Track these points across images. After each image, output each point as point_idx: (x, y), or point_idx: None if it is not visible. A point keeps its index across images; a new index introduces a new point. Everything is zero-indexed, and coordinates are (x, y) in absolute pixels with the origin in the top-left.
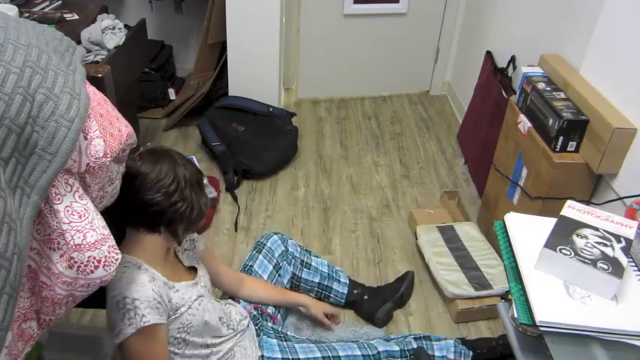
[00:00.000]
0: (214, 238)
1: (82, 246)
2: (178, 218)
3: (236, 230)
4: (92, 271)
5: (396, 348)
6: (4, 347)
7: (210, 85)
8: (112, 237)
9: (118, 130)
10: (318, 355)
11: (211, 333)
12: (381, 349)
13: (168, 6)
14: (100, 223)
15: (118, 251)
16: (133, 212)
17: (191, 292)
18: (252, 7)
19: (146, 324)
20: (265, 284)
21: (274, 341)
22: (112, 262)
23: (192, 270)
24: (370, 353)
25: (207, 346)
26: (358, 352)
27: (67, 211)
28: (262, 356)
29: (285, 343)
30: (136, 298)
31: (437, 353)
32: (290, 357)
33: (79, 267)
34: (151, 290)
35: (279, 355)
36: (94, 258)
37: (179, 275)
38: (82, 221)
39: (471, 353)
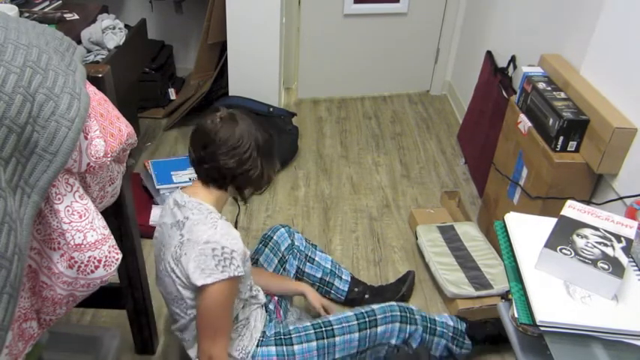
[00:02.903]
0: None
1: (83, 246)
2: (247, 182)
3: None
4: (92, 271)
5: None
6: (4, 347)
7: (210, 85)
8: (112, 237)
9: (119, 129)
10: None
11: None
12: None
13: (168, 6)
14: (100, 223)
15: (119, 251)
16: (205, 169)
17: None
18: (253, 7)
19: (238, 274)
20: (265, 272)
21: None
22: (113, 262)
23: None
24: (363, 310)
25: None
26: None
27: (68, 210)
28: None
29: (284, 347)
30: (234, 250)
31: (437, 318)
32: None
33: (79, 267)
34: (242, 244)
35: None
36: (95, 258)
37: None
38: (82, 221)
39: (465, 325)
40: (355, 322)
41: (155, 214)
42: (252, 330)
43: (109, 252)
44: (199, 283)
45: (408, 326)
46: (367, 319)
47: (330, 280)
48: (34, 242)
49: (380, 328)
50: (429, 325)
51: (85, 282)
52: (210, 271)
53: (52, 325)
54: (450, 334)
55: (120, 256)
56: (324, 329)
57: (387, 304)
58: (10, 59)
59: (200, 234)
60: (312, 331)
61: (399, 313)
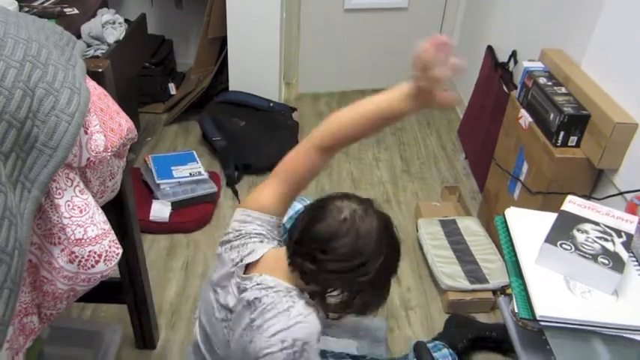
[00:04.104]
0: (215, 233)
1: (83, 241)
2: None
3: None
4: (93, 266)
5: None
6: (5, 342)
7: (210, 80)
8: (112, 232)
9: (119, 124)
10: None
11: None
12: None
13: (168, 1)
14: (100, 217)
15: (119, 246)
16: (307, 269)
17: None
18: (253, 1)
19: None
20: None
21: None
22: (113, 256)
23: None
24: None
25: None
26: None
27: (68, 205)
28: None
29: None
30: (306, 342)
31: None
32: None
33: (79, 261)
34: (319, 327)
35: None
36: (95, 253)
37: None
38: (82, 216)
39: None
40: None
41: (155, 208)
42: None
43: (110, 247)
44: None
45: None
46: None
47: None
48: (34, 237)
49: None
50: None
51: (85, 276)
52: None
53: (52, 320)
54: None
55: (120, 250)
56: None
57: None
58: (9, 54)
59: (270, 322)
60: None
61: None
